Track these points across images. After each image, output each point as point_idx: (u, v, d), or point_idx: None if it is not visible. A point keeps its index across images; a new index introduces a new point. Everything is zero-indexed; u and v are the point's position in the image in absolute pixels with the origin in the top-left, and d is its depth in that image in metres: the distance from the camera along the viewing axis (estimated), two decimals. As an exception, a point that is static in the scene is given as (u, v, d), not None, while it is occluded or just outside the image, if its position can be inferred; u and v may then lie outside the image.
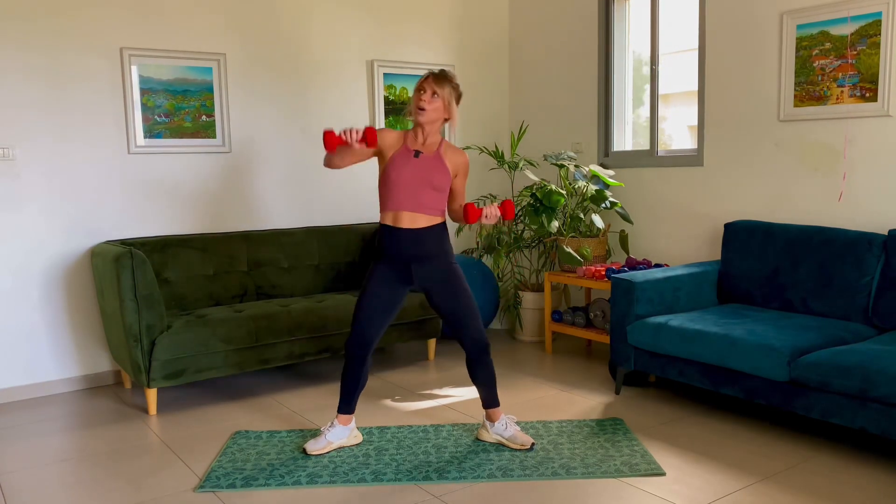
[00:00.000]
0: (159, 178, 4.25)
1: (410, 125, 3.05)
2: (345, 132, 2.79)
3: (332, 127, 2.74)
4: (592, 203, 4.46)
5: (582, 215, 4.64)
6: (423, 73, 5.11)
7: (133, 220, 4.19)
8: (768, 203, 4.08)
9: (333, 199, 4.87)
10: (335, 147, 2.83)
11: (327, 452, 3.09)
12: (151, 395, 3.63)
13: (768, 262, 3.80)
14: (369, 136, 2.81)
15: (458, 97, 3.02)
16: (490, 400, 3.15)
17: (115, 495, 2.77)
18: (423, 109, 2.93)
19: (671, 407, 3.61)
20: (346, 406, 3.13)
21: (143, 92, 4.14)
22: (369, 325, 3.02)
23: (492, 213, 2.92)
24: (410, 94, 5.06)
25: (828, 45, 3.73)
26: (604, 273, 4.26)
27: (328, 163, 3.00)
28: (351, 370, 3.08)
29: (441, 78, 2.97)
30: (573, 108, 5.11)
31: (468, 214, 2.91)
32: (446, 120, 3.02)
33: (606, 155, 4.95)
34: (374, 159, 2.97)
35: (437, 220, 3.01)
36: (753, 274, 3.85)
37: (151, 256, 4.01)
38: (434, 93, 2.94)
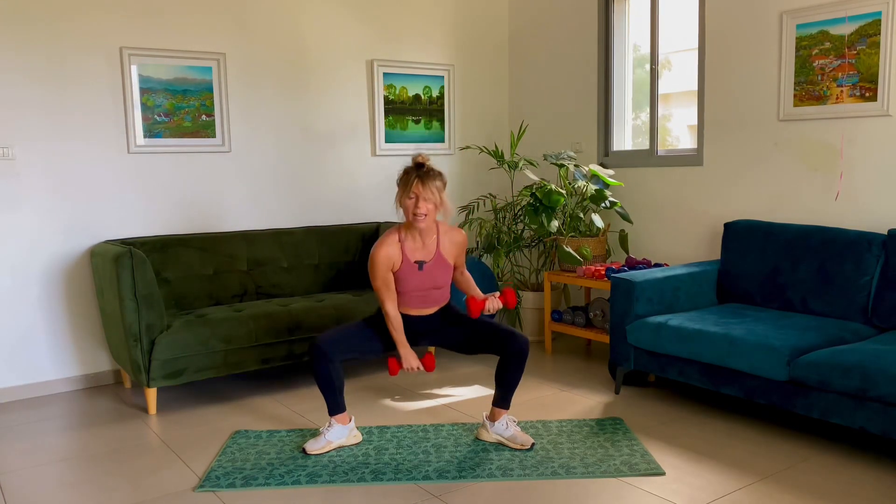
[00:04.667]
0: (159, 178, 4.24)
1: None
2: (409, 369, 3.12)
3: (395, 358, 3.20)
4: (592, 203, 4.46)
5: (582, 215, 4.64)
6: (423, 73, 5.16)
7: (133, 219, 4.18)
8: (768, 203, 4.08)
9: (333, 199, 4.87)
10: (397, 372, 3.18)
11: (326, 452, 3.09)
12: (151, 394, 3.63)
13: (768, 262, 3.80)
14: (427, 364, 3.17)
15: (444, 185, 3.01)
16: (504, 401, 3.15)
17: (115, 495, 2.77)
18: (423, 216, 2.95)
19: (671, 406, 3.61)
20: (335, 407, 3.12)
21: (142, 91, 4.14)
22: (342, 347, 3.08)
23: (494, 305, 3.04)
24: (410, 94, 5.08)
25: (827, 44, 3.73)
26: (603, 273, 4.26)
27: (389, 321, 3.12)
28: (322, 374, 3.03)
29: (426, 178, 2.93)
30: (573, 107, 5.11)
31: (471, 309, 3.03)
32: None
33: (606, 154, 4.95)
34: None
35: (444, 304, 3.22)
36: (753, 273, 3.85)
37: (151, 256, 4.01)
38: (425, 198, 2.93)
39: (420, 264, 3.04)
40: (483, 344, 3.12)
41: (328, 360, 3.01)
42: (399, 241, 3.06)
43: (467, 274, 3.25)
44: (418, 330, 3.19)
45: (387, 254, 3.04)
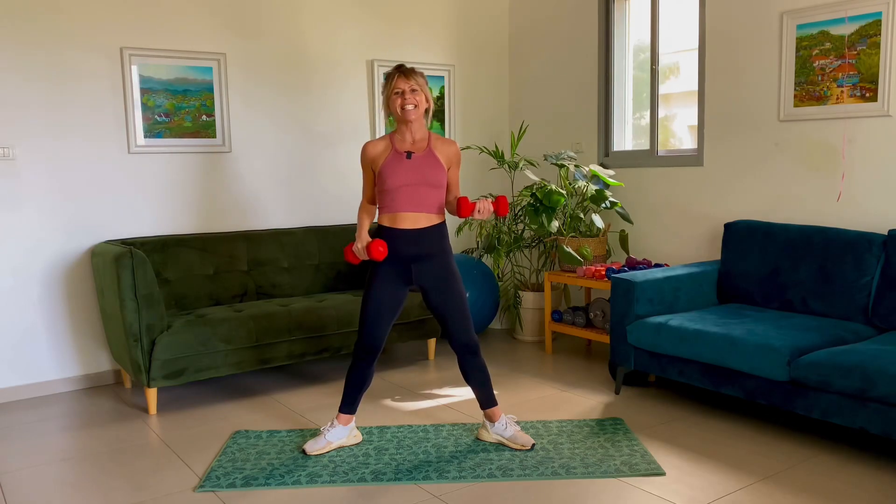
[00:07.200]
0: (159, 178, 4.24)
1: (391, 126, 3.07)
2: (355, 254, 3.01)
3: (346, 247, 3.04)
4: (592, 203, 4.46)
5: (582, 215, 4.65)
6: (423, 73, 5.13)
7: (133, 219, 4.19)
8: (768, 203, 4.08)
9: (333, 198, 4.87)
10: (358, 261, 3.03)
11: (327, 452, 3.09)
12: (151, 394, 3.63)
13: (768, 262, 3.80)
14: (374, 252, 2.93)
15: (426, 82, 3.05)
16: (486, 400, 3.16)
17: (115, 495, 2.77)
18: (413, 107, 2.95)
19: (671, 407, 3.61)
20: (349, 406, 3.13)
21: (143, 91, 4.14)
22: (376, 327, 3.03)
23: (485, 207, 2.93)
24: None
25: (828, 45, 3.73)
26: (604, 273, 4.26)
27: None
28: (357, 371, 3.09)
29: (409, 72, 2.99)
30: (573, 108, 5.11)
31: (461, 208, 2.93)
32: (426, 111, 3.03)
33: (606, 155, 4.95)
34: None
35: (438, 220, 3.02)
36: (753, 274, 3.85)
37: (151, 256, 4.01)
38: (412, 89, 2.96)
39: (408, 154, 2.98)
40: (442, 328, 3.10)
41: (369, 363, 3.07)
42: (389, 138, 3.05)
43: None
44: (409, 251, 2.97)
45: (373, 146, 3.04)
